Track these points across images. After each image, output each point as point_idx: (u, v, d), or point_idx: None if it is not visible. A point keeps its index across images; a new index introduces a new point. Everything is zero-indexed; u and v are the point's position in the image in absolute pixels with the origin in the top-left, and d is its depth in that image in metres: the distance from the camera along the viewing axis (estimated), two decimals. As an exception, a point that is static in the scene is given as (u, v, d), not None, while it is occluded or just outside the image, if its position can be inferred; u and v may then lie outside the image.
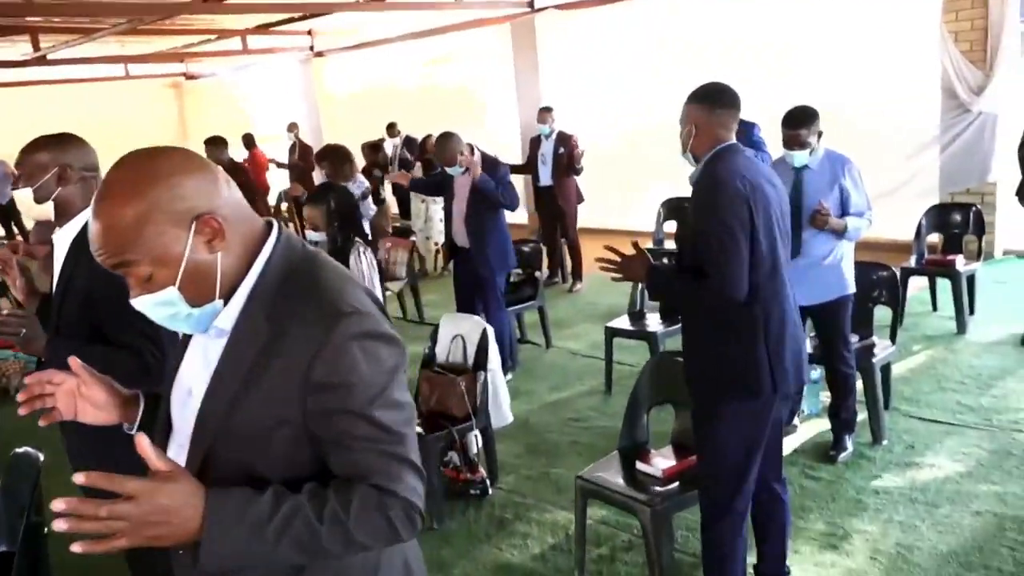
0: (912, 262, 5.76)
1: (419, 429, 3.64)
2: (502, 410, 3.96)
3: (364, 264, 3.35)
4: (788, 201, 3.66)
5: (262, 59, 14.38)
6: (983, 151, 6.95)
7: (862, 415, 4.06)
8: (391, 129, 10.16)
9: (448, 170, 5.01)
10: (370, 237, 6.49)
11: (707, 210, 2.51)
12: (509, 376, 5.34)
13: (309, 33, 13.55)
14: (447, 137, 5.04)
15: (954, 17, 6.90)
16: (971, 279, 5.67)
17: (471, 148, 5.00)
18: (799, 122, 3.70)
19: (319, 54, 13.75)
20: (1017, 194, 5.19)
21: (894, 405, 4.41)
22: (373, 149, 8.65)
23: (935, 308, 5.97)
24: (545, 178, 7.49)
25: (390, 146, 10.04)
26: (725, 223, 2.42)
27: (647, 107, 9.41)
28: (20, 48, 11.95)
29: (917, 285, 6.09)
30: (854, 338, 4.21)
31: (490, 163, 5.03)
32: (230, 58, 14.54)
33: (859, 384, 4.02)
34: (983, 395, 4.47)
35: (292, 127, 10.55)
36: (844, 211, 3.77)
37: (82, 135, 2.38)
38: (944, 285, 5.67)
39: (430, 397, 3.78)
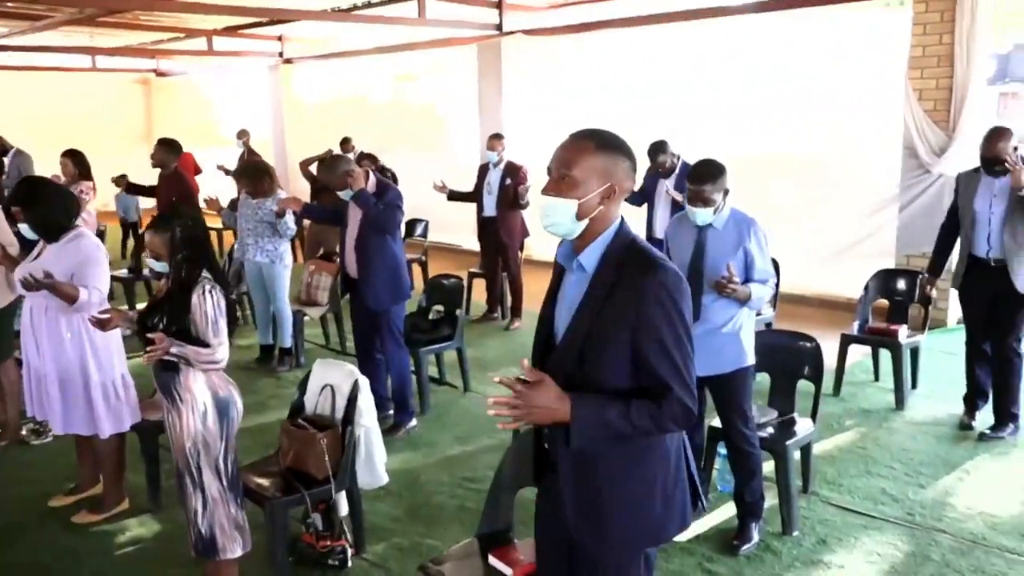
0: (854, 329, 5.43)
1: (272, 490, 3.23)
2: (375, 471, 3.54)
3: (208, 304, 2.94)
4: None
5: (232, 61, 14.05)
6: (941, 214, 6.65)
7: (773, 500, 3.70)
8: (345, 144, 9.78)
9: (340, 194, 4.61)
10: (290, 256, 6.14)
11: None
12: (413, 423, 4.95)
13: (279, 39, 13.22)
14: (335, 159, 4.69)
15: (919, 75, 6.65)
16: (915, 351, 5.35)
17: (366, 173, 4.62)
18: (702, 177, 3.36)
19: (288, 61, 13.41)
20: (930, 271, 4.95)
21: (814, 488, 4.06)
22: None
23: (876, 378, 5.64)
24: (489, 208, 7.13)
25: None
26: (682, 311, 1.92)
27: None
28: None
29: (862, 351, 5.78)
30: (769, 414, 3.88)
31: (383, 187, 4.65)
32: (200, 58, 14.24)
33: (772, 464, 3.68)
34: (911, 484, 4.12)
35: (242, 134, 10.17)
36: (747, 276, 3.42)
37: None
38: (887, 354, 5.34)
39: (288, 452, 3.37)
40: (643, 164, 6.34)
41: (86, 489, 4.07)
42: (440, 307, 5.67)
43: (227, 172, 10.35)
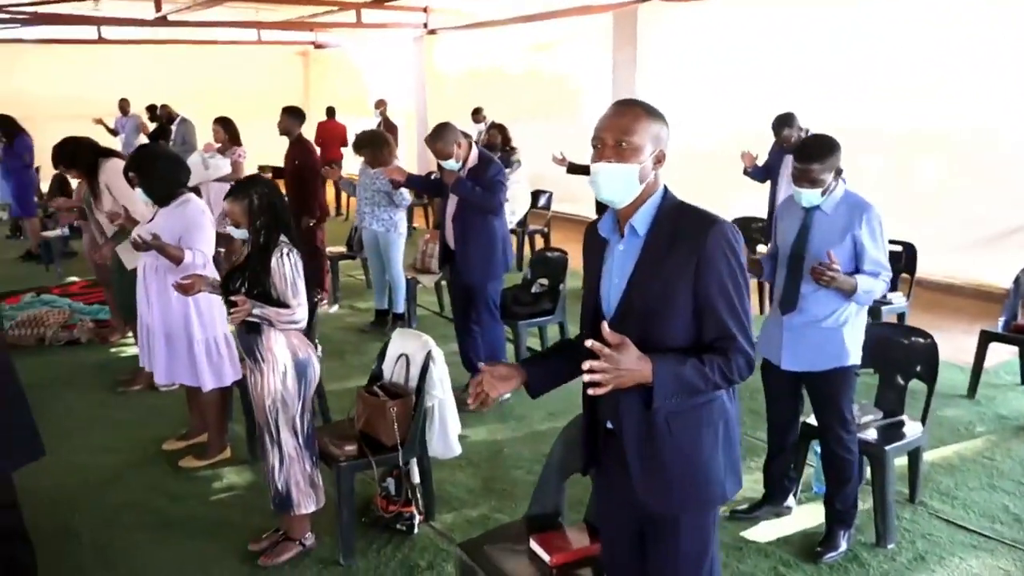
0: (999, 325, 4.87)
1: (342, 453, 3.34)
2: (448, 442, 3.57)
3: (287, 267, 3.05)
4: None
5: (380, 33, 14.48)
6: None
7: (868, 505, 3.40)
8: (477, 114, 9.88)
9: (443, 164, 4.62)
10: (411, 226, 6.29)
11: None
12: (506, 395, 4.96)
13: (425, 10, 13.47)
14: (441, 128, 4.65)
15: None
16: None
17: (468, 145, 4.60)
18: (811, 155, 3.07)
19: (432, 32, 13.64)
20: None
21: (923, 499, 3.70)
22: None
23: (1023, 382, 5.04)
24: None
25: (475, 132, 9.76)
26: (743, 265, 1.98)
27: (745, 111, 8.64)
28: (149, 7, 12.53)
29: (1011, 351, 5.18)
30: (872, 414, 3.56)
31: (484, 161, 4.61)
32: (351, 30, 14.82)
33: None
34: (1040, 504, 3.67)
35: (379, 104, 10.49)
36: (857, 267, 3.11)
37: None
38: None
39: (361, 417, 3.45)
40: (770, 138, 5.97)
41: (194, 436, 4.38)
42: (545, 281, 5.61)
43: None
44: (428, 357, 3.44)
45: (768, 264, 3.37)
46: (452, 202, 4.68)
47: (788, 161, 5.61)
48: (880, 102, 7.36)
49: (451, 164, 4.56)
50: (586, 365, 1.76)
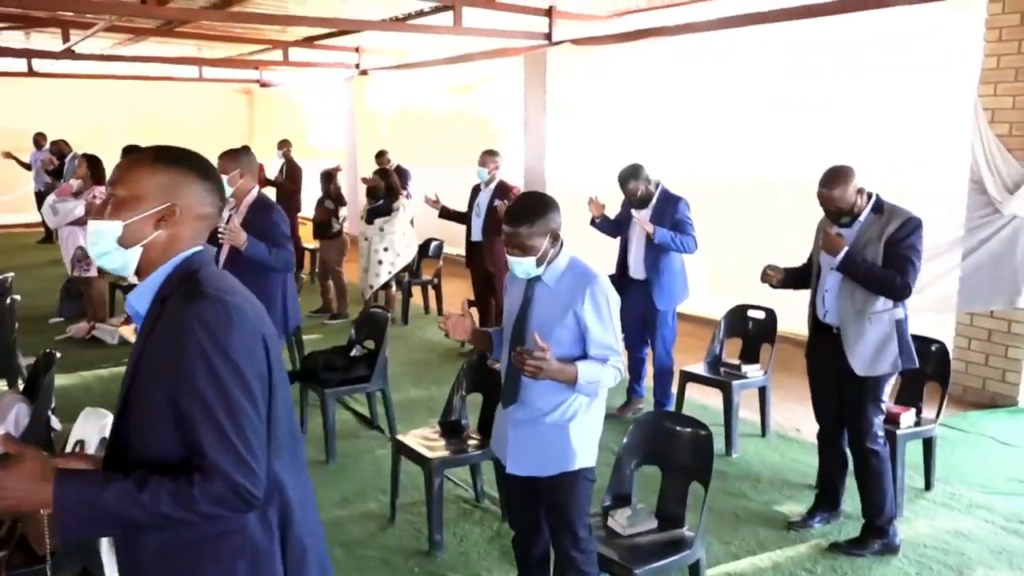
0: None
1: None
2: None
3: None
4: None
5: (315, 72, 14.17)
6: (1013, 266, 5.33)
7: None
8: (380, 157, 9.42)
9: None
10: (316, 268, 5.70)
11: None
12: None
13: (357, 50, 13.15)
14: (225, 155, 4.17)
15: (992, 91, 5.36)
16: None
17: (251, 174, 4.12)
18: (518, 217, 2.57)
19: (363, 72, 13.31)
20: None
21: None
22: (327, 178, 7.90)
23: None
24: (476, 232, 6.46)
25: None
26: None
27: (655, 154, 8.23)
28: (99, 43, 12.22)
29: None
30: (645, 524, 2.99)
31: (260, 208, 4.11)
32: (293, 70, 14.53)
33: None
34: None
35: (282, 144, 10.02)
36: (584, 351, 2.58)
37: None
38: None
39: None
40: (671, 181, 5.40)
41: None
42: (371, 343, 5.05)
43: (268, 182, 10.27)
44: (103, 443, 2.87)
45: (496, 337, 2.84)
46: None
47: (636, 217, 5.11)
48: (778, 151, 6.92)
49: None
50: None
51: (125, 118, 15.58)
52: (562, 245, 2.64)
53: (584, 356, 2.56)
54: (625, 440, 3.17)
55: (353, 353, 4.95)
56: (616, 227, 5.20)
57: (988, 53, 5.36)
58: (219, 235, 3.91)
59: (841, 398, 3.66)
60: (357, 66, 13.35)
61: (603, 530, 3.00)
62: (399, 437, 3.95)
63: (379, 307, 5.50)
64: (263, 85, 17.12)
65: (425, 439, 3.87)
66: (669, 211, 4.89)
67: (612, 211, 5.31)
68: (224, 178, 4.07)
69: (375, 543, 3.74)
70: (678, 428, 3.09)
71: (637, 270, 5.06)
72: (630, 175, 4.94)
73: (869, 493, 3.58)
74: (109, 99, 16.02)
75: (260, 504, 1.50)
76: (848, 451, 3.75)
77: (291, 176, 9.76)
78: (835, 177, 3.49)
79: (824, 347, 3.65)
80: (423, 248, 8.24)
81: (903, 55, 6.00)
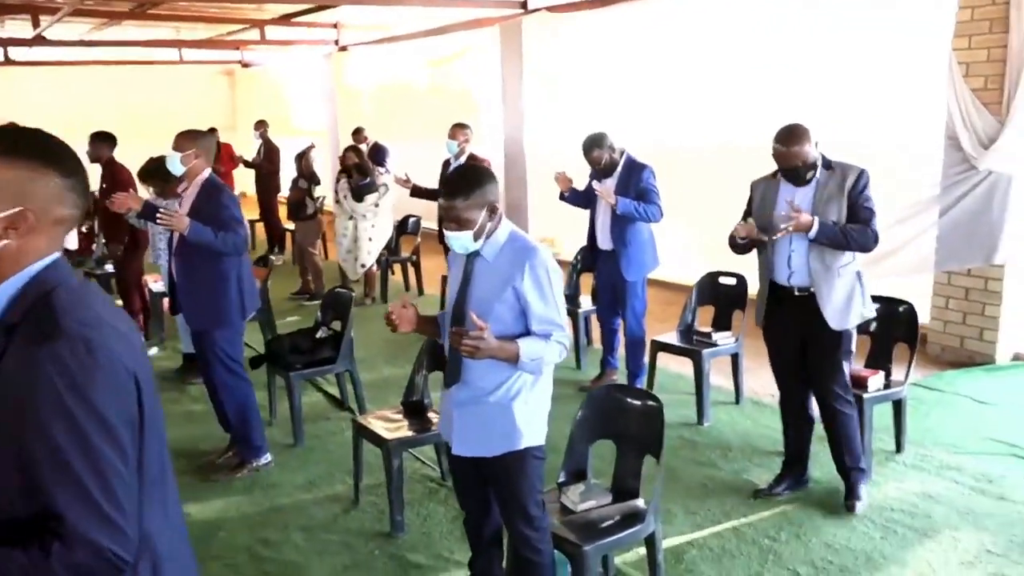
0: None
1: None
2: None
3: None
4: None
5: (296, 50, 13.97)
6: (990, 223, 5.23)
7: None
8: (357, 134, 9.31)
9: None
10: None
11: None
12: (264, 460, 4.33)
13: (335, 26, 12.94)
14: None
15: (966, 44, 5.23)
16: (897, 405, 4.11)
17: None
18: (451, 190, 2.48)
19: (343, 48, 13.12)
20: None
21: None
22: (299, 158, 7.80)
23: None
24: (447, 208, 6.35)
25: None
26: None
27: (633, 121, 8.11)
28: (74, 28, 12.06)
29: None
30: (599, 499, 2.95)
31: (209, 190, 4.01)
32: (273, 49, 14.32)
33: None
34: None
35: (260, 125, 9.90)
36: (526, 327, 2.51)
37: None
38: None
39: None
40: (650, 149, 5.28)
41: None
42: (338, 324, 4.99)
43: (244, 163, 10.17)
44: None
45: (442, 321, 2.77)
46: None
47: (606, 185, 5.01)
48: (754, 113, 6.80)
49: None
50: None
51: (107, 104, 15.39)
52: (500, 218, 2.56)
53: (527, 332, 2.49)
54: (579, 415, 3.12)
55: (319, 335, 4.88)
56: (586, 199, 5.10)
57: (963, 5, 5.21)
58: (158, 219, 3.83)
59: (804, 362, 3.62)
60: (336, 42, 13.16)
61: (557, 506, 2.95)
62: (359, 419, 3.90)
63: (343, 287, 5.44)
64: (245, 66, 16.90)
65: (387, 420, 3.83)
66: (634, 179, 4.80)
67: (584, 182, 5.20)
68: (178, 156, 3.99)
69: (337, 526, 3.71)
70: (630, 401, 3.04)
71: (605, 241, 4.98)
72: (593, 143, 4.83)
73: (845, 444, 3.62)
74: (89, 86, 15.87)
75: (130, 567, 1.29)
76: (813, 414, 3.72)
77: (269, 157, 9.66)
78: (793, 134, 3.46)
79: (788, 311, 3.59)
80: (401, 225, 8.17)
81: (878, 9, 5.86)
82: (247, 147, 11.02)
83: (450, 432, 2.68)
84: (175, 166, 4.02)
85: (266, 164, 9.62)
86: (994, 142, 5.10)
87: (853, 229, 3.38)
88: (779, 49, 6.64)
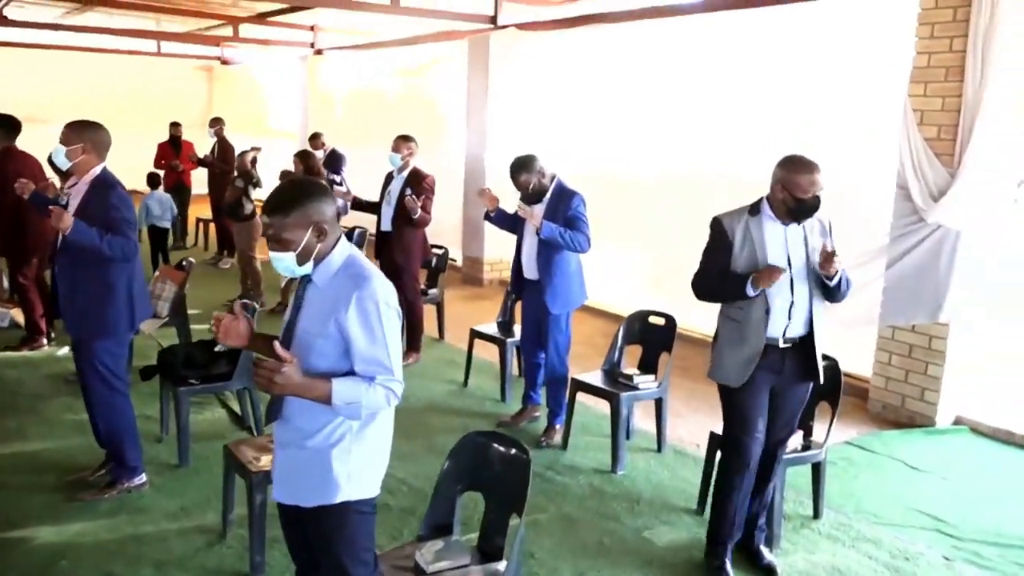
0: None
1: None
2: None
3: None
4: None
5: (274, 51, 13.73)
6: (936, 279, 5.00)
7: None
8: (314, 140, 9.04)
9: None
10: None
11: None
12: (137, 481, 4.01)
13: (312, 29, 12.72)
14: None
15: (922, 90, 5.02)
16: (816, 468, 3.85)
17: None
18: (271, 206, 2.21)
19: (319, 52, 12.88)
20: None
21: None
22: (239, 156, 7.51)
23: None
24: (386, 222, 6.08)
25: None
26: None
27: (590, 145, 7.90)
28: (51, 11, 11.78)
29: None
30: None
31: (100, 187, 3.71)
32: (253, 49, 14.07)
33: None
34: None
35: (215, 122, 9.61)
36: (351, 366, 2.22)
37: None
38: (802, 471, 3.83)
39: None
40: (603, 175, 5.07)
41: None
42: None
43: (198, 161, 9.88)
44: None
45: None
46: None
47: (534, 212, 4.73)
48: (709, 145, 6.59)
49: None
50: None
51: (81, 91, 15.10)
52: (338, 241, 2.28)
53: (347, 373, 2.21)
54: (446, 464, 2.83)
55: (218, 348, 4.57)
56: (512, 222, 4.83)
57: (920, 50, 5.01)
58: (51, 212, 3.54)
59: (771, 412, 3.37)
60: (312, 45, 12.92)
61: (410, 564, 2.66)
62: (229, 445, 3.59)
63: (245, 296, 5.14)
64: (224, 63, 16.64)
65: (260, 449, 3.52)
66: (563, 206, 4.53)
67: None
68: (63, 149, 3.70)
69: (193, 563, 3.39)
70: (497, 449, 2.75)
71: (530, 270, 4.71)
72: (521, 167, 4.56)
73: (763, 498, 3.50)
74: (63, 71, 15.51)
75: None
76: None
77: (223, 156, 9.36)
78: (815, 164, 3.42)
79: (769, 364, 3.27)
80: (347, 236, 7.87)
81: (837, 50, 5.68)
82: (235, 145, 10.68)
83: (273, 474, 2.39)
84: (60, 160, 3.73)
85: (219, 163, 9.32)
86: (943, 194, 4.89)
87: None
88: (736, 84, 6.45)
